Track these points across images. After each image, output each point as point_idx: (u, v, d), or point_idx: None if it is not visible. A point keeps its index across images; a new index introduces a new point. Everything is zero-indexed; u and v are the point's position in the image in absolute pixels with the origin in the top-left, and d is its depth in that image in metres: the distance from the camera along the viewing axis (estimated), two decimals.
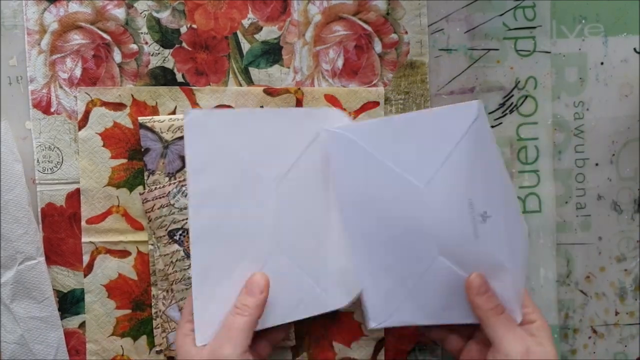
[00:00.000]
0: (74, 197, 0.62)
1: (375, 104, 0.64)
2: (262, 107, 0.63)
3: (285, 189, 0.58)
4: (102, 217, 0.62)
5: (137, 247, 0.63)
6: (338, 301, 0.61)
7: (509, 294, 0.56)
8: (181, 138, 0.62)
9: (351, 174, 0.59)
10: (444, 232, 0.57)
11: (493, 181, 0.55)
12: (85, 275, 0.63)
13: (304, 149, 0.59)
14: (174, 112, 0.63)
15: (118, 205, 0.63)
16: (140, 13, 0.62)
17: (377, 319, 0.61)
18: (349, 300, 0.61)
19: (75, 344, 0.63)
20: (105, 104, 0.62)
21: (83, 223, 0.62)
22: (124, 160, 0.62)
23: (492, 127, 0.65)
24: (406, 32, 0.64)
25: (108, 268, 0.63)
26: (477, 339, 0.59)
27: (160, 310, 0.63)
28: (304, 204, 0.59)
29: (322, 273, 0.60)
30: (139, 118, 0.62)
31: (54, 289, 0.62)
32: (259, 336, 0.57)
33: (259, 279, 0.56)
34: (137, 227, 0.63)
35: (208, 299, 0.55)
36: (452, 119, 0.56)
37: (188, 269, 0.62)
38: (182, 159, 0.62)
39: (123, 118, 0.62)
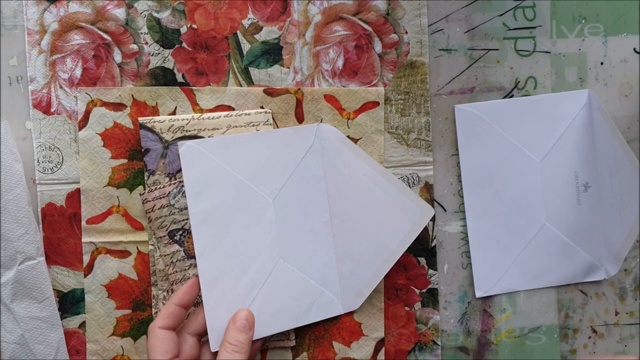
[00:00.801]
0: (74, 197, 0.62)
1: (375, 104, 0.64)
2: (262, 107, 0.63)
3: (282, 201, 0.61)
4: (103, 217, 0.62)
5: (137, 247, 0.63)
6: (350, 304, 0.64)
7: (601, 252, 0.66)
8: (181, 138, 0.62)
9: (476, 147, 0.65)
10: (552, 201, 0.65)
11: (598, 157, 0.65)
12: (85, 275, 0.63)
13: (297, 163, 0.62)
14: (174, 113, 0.63)
15: (118, 206, 0.63)
16: (141, 13, 0.62)
17: (483, 288, 0.66)
18: (361, 303, 0.64)
19: (75, 344, 0.63)
20: (105, 104, 0.62)
21: (83, 223, 0.62)
22: (124, 161, 0.62)
23: None
24: (406, 32, 0.64)
25: (108, 268, 0.63)
26: None
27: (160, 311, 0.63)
28: (302, 214, 0.62)
29: (330, 278, 0.63)
30: (139, 118, 0.62)
31: (54, 289, 0.62)
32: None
33: (247, 316, 0.58)
34: (137, 227, 0.63)
35: (218, 307, 0.59)
36: (566, 103, 0.65)
37: (188, 269, 0.62)
38: None
39: (123, 118, 0.62)
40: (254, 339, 0.59)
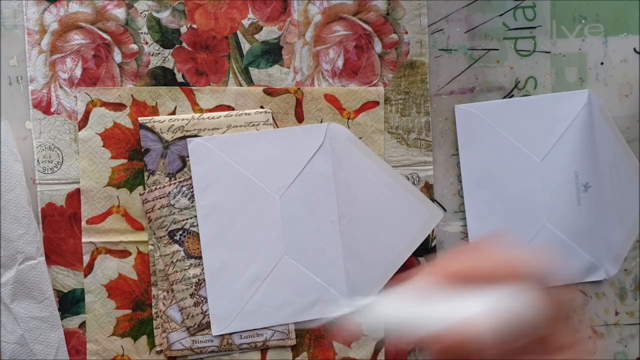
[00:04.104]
0: (74, 197, 0.62)
1: (375, 103, 0.64)
2: (262, 107, 0.63)
3: (289, 199, 0.62)
4: (103, 217, 0.62)
5: (137, 247, 0.63)
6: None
7: (601, 252, 0.66)
8: (181, 138, 0.62)
9: (476, 147, 0.65)
10: (552, 201, 0.65)
11: (598, 157, 0.65)
12: (85, 275, 0.63)
13: (306, 161, 0.62)
14: (174, 113, 0.63)
15: (118, 206, 0.63)
16: (141, 13, 0.62)
17: None
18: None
19: (75, 344, 0.63)
20: (105, 104, 0.62)
21: (83, 223, 0.62)
22: (124, 161, 0.62)
23: None
24: (406, 32, 0.64)
25: (108, 268, 0.63)
26: None
27: (160, 311, 0.63)
28: (310, 213, 0.63)
29: (337, 277, 0.63)
30: (139, 118, 0.62)
31: (54, 289, 0.62)
32: None
33: None
34: (137, 227, 0.63)
35: (221, 296, 0.62)
36: (566, 103, 0.65)
37: (188, 269, 0.62)
38: (182, 159, 0.62)
39: (123, 118, 0.62)
40: (254, 327, 0.62)
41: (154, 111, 0.63)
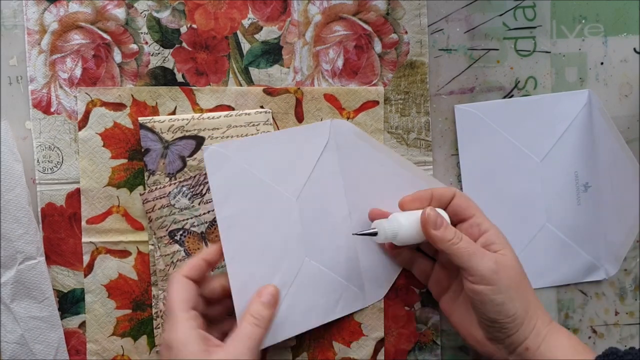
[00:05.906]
0: (74, 197, 0.62)
1: (375, 103, 0.64)
2: (262, 107, 0.63)
3: (304, 201, 0.61)
4: (103, 217, 0.62)
5: (137, 247, 0.63)
6: (374, 296, 0.64)
7: (601, 252, 0.66)
8: (181, 138, 0.62)
9: (476, 147, 0.65)
10: (552, 201, 0.66)
11: (598, 157, 0.65)
12: (85, 275, 0.63)
13: (315, 160, 0.62)
14: (174, 112, 0.63)
15: (118, 206, 0.63)
16: (141, 13, 0.62)
17: None
18: (384, 294, 0.65)
19: (75, 343, 0.63)
20: (105, 104, 0.62)
21: (83, 223, 0.62)
22: (124, 161, 0.62)
23: None
24: (406, 32, 0.64)
25: (108, 268, 0.63)
26: (441, 262, 0.62)
27: (160, 311, 0.63)
28: (324, 211, 0.62)
29: (354, 272, 0.63)
30: (139, 118, 0.62)
31: (54, 289, 0.62)
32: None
33: (273, 291, 0.57)
34: (138, 227, 0.63)
35: None
36: (566, 103, 0.65)
37: None
38: (183, 159, 0.62)
39: (123, 118, 0.62)
40: (287, 337, 0.59)
41: (154, 111, 0.63)
